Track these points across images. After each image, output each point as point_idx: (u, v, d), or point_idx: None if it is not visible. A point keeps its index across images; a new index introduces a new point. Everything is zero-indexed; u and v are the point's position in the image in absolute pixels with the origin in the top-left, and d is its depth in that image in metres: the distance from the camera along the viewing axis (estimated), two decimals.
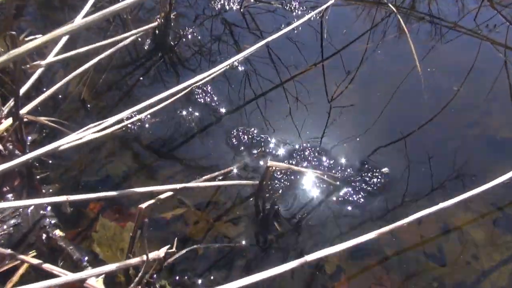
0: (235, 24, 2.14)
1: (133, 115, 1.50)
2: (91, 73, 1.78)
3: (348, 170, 1.47)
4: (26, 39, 1.39)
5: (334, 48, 2.07)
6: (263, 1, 2.29)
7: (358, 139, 1.63)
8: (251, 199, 1.36)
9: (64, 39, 1.67)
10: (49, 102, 1.61)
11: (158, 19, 1.90)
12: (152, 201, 1.04)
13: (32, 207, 1.27)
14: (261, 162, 1.50)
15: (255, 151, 1.54)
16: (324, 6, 1.98)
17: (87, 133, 1.30)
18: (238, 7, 2.23)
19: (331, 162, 1.50)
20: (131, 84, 1.83)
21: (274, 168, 1.16)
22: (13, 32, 1.47)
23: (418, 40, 2.11)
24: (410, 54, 1.93)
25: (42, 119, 1.32)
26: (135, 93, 1.80)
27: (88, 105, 1.71)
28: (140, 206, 1.01)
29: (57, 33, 0.92)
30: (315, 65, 1.99)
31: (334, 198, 1.39)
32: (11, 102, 1.49)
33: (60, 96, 1.73)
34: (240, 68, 1.91)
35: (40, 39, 0.91)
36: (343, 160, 1.54)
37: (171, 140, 1.59)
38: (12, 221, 1.23)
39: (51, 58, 1.45)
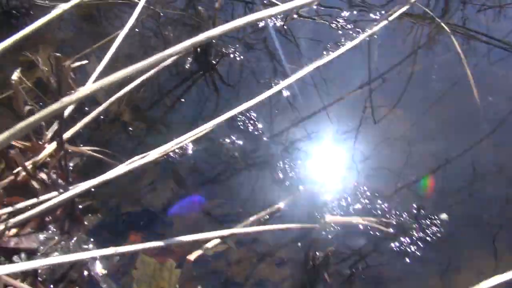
0: (279, 41, 2.06)
1: (175, 146, 1.45)
2: (131, 93, 1.75)
3: (403, 215, 1.37)
4: (73, 65, 1.36)
5: (381, 69, 1.95)
6: (308, 17, 2.20)
7: (412, 177, 1.52)
8: (298, 243, 1.28)
9: (107, 59, 1.64)
10: (91, 124, 1.59)
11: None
12: (199, 252, 0.98)
13: (73, 240, 1.24)
14: (308, 200, 1.42)
15: (301, 187, 1.45)
16: (376, 28, 1.87)
17: (133, 165, 1.26)
18: (282, 23, 2.14)
19: (384, 205, 1.40)
20: (172, 105, 1.78)
21: (330, 221, 1.08)
22: (58, 54, 1.44)
23: (473, 62, 1.97)
24: (466, 78, 1.80)
25: (86, 149, 1.28)
26: (176, 115, 1.75)
27: (130, 128, 1.67)
28: (188, 258, 0.95)
29: (111, 79, 0.87)
30: (360, 88, 1.89)
31: (388, 248, 1.29)
32: (54, 126, 1.47)
33: (101, 116, 1.70)
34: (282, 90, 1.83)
35: (91, 87, 0.86)
36: (396, 203, 1.43)
37: (213, 171, 1.53)
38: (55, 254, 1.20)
39: (96, 85, 1.42)
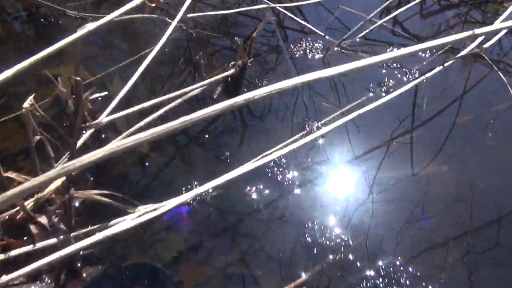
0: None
1: (192, 196, 1.29)
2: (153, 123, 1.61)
3: None
4: (90, 97, 1.23)
5: (426, 113, 1.75)
6: (350, 50, 2.02)
7: (462, 258, 1.31)
8: None
9: (125, 90, 1.51)
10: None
11: (233, 67, 1.69)
12: None
13: None
14: (338, 273, 1.23)
15: (331, 256, 1.26)
16: (430, 74, 1.66)
17: (144, 218, 1.10)
18: (321, 55, 1.97)
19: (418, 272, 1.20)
20: (194, 139, 1.63)
21: None
22: (78, 78, 1.32)
23: None
24: None
25: (94, 193, 1.14)
26: (197, 151, 1.60)
27: (147, 161, 1.53)
28: None
29: (126, 144, 0.72)
30: (402, 135, 1.69)
31: None
32: (64, 158, 1.34)
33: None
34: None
35: (102, 152, 0.71)
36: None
37: (233, 223, 1.37)
38: None
39: (112, 116, 1.29)
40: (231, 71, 1.67)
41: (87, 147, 1.45)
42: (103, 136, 1.60)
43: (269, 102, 1.75)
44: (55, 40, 1.21)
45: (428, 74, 1.64)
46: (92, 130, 1.42)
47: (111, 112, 1.35)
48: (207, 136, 1.64)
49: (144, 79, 1.80)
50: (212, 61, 1.92)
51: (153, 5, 1.82)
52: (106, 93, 1.20)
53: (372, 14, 1.99)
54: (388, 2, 2.00)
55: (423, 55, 2.01)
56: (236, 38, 1.58)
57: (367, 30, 2.03)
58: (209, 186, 1.18)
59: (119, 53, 1.99)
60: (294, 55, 1.97)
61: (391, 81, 1.85)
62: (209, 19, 2.08)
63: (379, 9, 2.01)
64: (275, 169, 1.49)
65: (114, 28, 2.10)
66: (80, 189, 1.29)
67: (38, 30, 2.13)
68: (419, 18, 2.30)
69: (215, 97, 1.74)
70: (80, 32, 1.34)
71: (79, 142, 1.37)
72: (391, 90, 1.81)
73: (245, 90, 1.79)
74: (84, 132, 1.39)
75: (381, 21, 2.03)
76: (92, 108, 1.38)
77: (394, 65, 1.94)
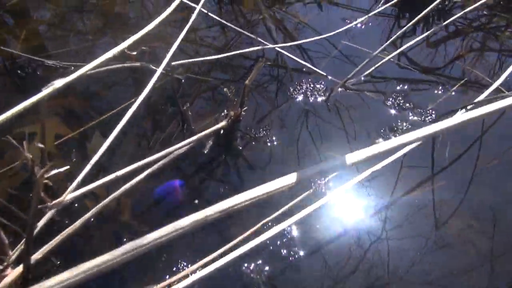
0: (320, 123, 1.68)
1: (178, 278, 1.05)
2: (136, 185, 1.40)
3: None
4: (46, 175, 1.03)
5: (445, 160, 1.53)
6: (356, 90, 1.82)
7: None
8: None
9: (97, 156, 1.30)
10: (77, 229, 1.23)
11: (226, 118, 1.49)
12: None
13: None
14: None
15: None
16: (448, 124, 1.45)
17: None
18: (324, 98, 1.78)
19: None
20: (185, 203, 1.41)
21: None
22: (42, 146, 1.13)
23: None
24: None
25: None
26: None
27: (128, 236, 1.31)
28: None
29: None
30: (419, 186, 1.46)
31: None
32: (21, 245, 1.11)
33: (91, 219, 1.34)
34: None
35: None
36: None
37: None
38: None
39: (76, 192, 1.08)
40: (223, 123, 1.47)
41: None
42: (75, 205, 1.39)
43: (269, 158, 1.54)
44: (32, 93, 1.04)
45: (447, 123, 1.42)
46: (54, 210, 1.20)
47: (78, 186, 1.14)
48: (198, 201, 1.42)
49: (126, 135, 1.61)
50: (203, 110, 1.73)
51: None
52: (67, 167, 1.00)
53: (379, 50, 1.81)
54: (395, 36, 1.82)
55: (437, 91, 1.81)
56: (225, 89, 1.38)
57: (374, 68, 1.84)
58: (200, 263, 0.95)
59: (104, 103, 1.80)
60: (294, 98, 1.77)
61: (404, 123, 1.65)
62: (198, 62, 1.91)
63: (384, 45, 1.83)
64: (278, 240, 1.25)
65: (99, 74, 1.94)
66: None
67: (15, 82, 1.96)
68: (425, 47, 2.12)
69: (205, 152, 1.53)
70: (45, 91, 1.16)
71: (41, 223, 1.15)
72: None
73: (239, 142, 1.58)
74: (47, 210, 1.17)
75: (388, 57, 1.84)
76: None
77: (407, 104, 1.73)
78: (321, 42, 2.03)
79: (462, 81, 1.85)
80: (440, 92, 1.80)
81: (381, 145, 0.90)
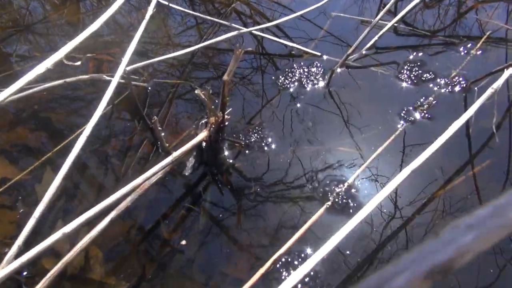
0: (323, 114, 1.35)
1: None
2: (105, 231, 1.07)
3: None
4: None
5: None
6: (360, 67, 1.50)
7: None
8: None
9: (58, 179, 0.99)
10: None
11: (206, 129, 1.16)
12: None
13: None
14: None
15: None
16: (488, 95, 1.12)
17: None
18: (324, 83, 1.45)
19: None
20: (166, 249, 1.08)
21: None
22: None
23: None
24: None
25: None
26: (173, 267, 1.05)
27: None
28: None
29: None
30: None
31: None
32: None
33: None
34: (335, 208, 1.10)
35: None
36: None
37: None
38: None
39: (14, 264, 0.76)
40: (203, 134, 1.14)
41: None
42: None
43: (265, 172, 1.22)
44: None
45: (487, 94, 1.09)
46: None
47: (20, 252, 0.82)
48: (185, 242, 1.09)
49: (84, 166, 1.28)
50: (178, 120, 1.40)
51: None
52: None
53: (379, 16, 1.48)
54: (392, 1, 1.50)
55: (457, 53, 1.49)
56: (202, 91, 1.04)
57: (376, 37, 1.51)
58: None
59: (58, 130, 1.47)
60: (287, 88, 1.44)
61: (428, 99, 1.32)
62: (170, 62, 1.58)
63: (384, 10, 1.50)
64: (278, 271, 0.93)
65: (51, 97, 1.60)
66: None
67: None
68: (422, 8, 1.80)
69: (186, 174, 1.19)
70: None
71: None
72: (433, 112, 1.28)
73: (228, 154, 1.25)
74: None
75: (391, 22, 1.51)
76: None
77: (426, 75, 1.41)
78: (307, 22, 1.70)
79: (486, 35, 1.53)
80: (462, 53, 1.48)
81: None
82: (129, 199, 1.05)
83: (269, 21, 1.71)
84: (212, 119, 1.13)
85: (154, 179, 1.13)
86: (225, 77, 1.10)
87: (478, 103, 0.98)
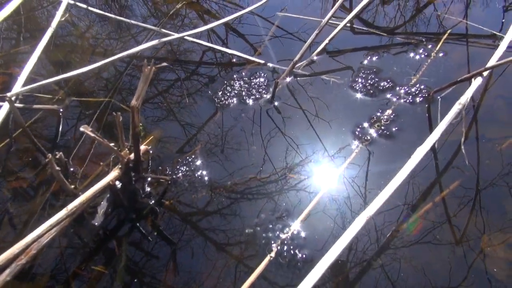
0: (268, 134, 1.13)
1: None
2: None
3: None
4: None
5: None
6: (309, 75, 1.30)
7: None
8: None
9: None
10: None
11: (117, 166, 0.93)
12: None
13: None
14: None
15: None
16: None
17: None
18: (267, 96, 1.23)
19: None
20: None
21: None
22: None
23: None
24: None
25: None
26: None
27: None
28: None
29: None
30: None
31: None
32: None
33: None
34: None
35: None
36: None
37: None
38: None
39: None
40: (113, 173, 0.91)
41: None
42: None
43: (199, 200, 0.99)
44: None
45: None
46: None
47: None
48: None
49: None
50: (100, 151, 1.14)
51: None
52: None
53: (329, 15, 1.28)
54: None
55: (416, 55, 1.32)
56: (84, 128, 0.79)
57: (327, 40, 1.32)
58: None
59: None
60: (225, 104, 1.22)
61: (388, 111, 1.14)
62: (95, 76, 1.32)
63: (334, 8, 1.31)
64: None
65: None
66: None
67: None
68: (379, 4, 1.63)
69: (96, 224, 0.95)
70: None
71: None
72: (392, 128, 1.10)
73: (151, 193, 1.01)
74: None
75: (343, 22, 1.32)
76: None
77: (383, 83, 1.23)
78: (252, 25, 1.49)
79: (446, 35, 1.37)
80: (423, 56, 1.31)
81: None
82: (7, 271, 0.80)
83: (205, 24, 1.48)
84: (123, 153, 0.89)
85: (53, 233, 0.88)
86: (133, 102, 0.87)
87: (443, 124, 0.80)
